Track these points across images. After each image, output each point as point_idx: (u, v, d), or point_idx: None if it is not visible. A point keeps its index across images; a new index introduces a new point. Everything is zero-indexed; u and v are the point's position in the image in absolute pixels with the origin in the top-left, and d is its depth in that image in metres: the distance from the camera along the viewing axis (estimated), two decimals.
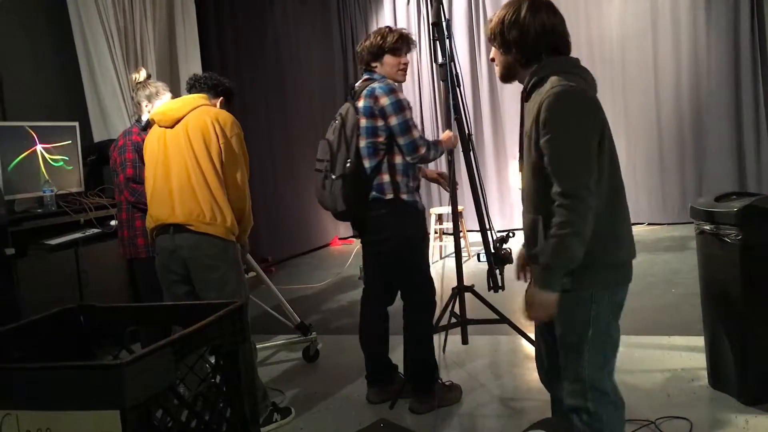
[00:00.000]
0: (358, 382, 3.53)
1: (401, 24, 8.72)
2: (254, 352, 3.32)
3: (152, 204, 2.97)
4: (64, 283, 3.87)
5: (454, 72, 3.39)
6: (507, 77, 2.05)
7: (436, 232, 7.08)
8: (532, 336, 3.62)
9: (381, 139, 3.01)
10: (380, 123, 2.99)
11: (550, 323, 2.00)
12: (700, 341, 3.21)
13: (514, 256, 2.25)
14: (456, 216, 3.61)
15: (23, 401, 1.32)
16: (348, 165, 2.98)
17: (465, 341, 3.64)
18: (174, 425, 1.47)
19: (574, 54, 2.00)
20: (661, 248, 6.30)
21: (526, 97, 2.00)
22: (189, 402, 1.55)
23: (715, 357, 3.03)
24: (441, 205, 8.24)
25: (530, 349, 3.70)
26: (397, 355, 3.29)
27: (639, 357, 3.51)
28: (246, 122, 6.07)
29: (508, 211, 8.43)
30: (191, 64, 5.85)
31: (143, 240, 3.46)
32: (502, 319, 3.56)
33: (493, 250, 3.46)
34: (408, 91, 8.77)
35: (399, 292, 3.23)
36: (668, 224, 7.48)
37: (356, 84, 3.13)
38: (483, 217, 3.56)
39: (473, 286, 3.62)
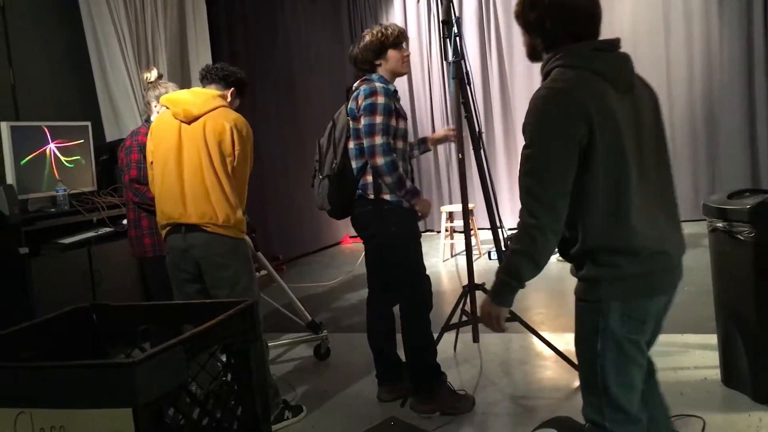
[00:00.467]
0: (368, 380, 3.54)
1: (412, 22, 8.73)
2: (266, 350, 3.33)
3: (162, 200, 2.97)
4: (77, 282, 3.89)
5: (464, 70, 3.39)
6: (532, 57, 1.93)
7: (446, 230, 7.07)
8: (543, 334, 3.63)
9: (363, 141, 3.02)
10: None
11: None
12: (713, 339, 3.19)
13: None
14: (467, 214, 3.61)
15: (37, 399, 1.34)
16: (334, 166, 3.04)
17: (476, 339, 3.64)
18: (186, 423, 1.48)
19: None
20: None
21: None
22: (200, 400, 1.55)
23: (728, 355, 3.01)
24: (452, 203, 8.24)
25: (541, 348, 3.69)
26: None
27: (652, 354, 3.49)
28: (257, 122, 6.10)
29: (518, 208, 8.40)
30: (202, 64, 5.85)
31: (150, 239, 3.49)
32: (513, 317, 3.54)
33: (504, 248, 3.45)
34: (419, 89, 8.78)
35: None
36: (681, 221, 7.43)
37: (354, 85, 3.13)
38: (494, 214, 3.55)
39: (484, 284, 3.61)
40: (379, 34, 3.06)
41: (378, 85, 3.01)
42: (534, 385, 3.38)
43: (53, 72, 4.76)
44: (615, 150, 1.70)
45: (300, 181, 7.63)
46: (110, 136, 4.87)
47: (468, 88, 3.48)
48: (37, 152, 3.97)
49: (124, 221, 3.86)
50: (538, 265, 1.77)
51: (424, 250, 3.22)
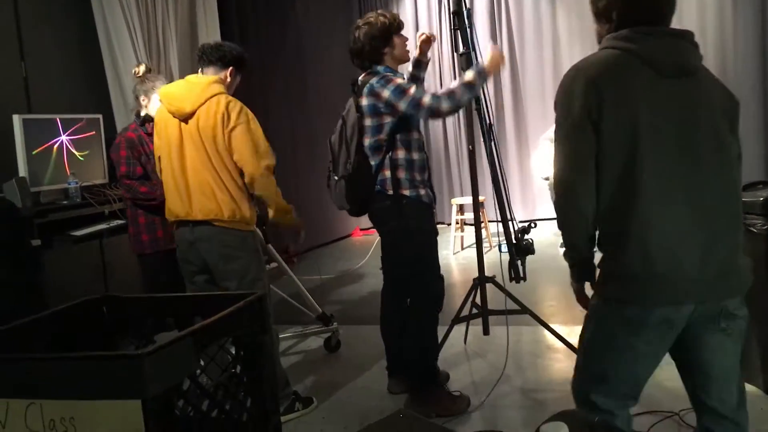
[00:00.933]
0: (378, 372, 3.54)
1: (422, 13, 8.70)
2: (276, 341, 3.34)
3: (169, 197, 2.98)
4: (89, 274, 3.92)
5: (475, 62, 3.37)
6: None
7: (457, 223, 7.06)
8: (554, 327, 3.62)
9: (383, 136, 2.96)
10: (386, 120, 2.94)
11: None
12: None
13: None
14: (477, 206, 3.59)
15: (47, 390, 1.34)
16: (348, 165, 2.97)
17: (486, 332, 3.63)
18: (195, 415, 1.48)
19: (596, 45, 1.88)
20: None
21: None
22: (210, 392, 1.56)
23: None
24: (462, 196, 8.22)
25: (552, 340, 3.68)
26: None
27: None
28: (269, 117, 6.10)
29: (530, 201, 8.39)
30: None
31: (147, 236, 3.48)
32: (524, 310, 3.53)
33: (514, 241, 3.44)
34: (429, 81, 8.73)
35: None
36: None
37: (359, 79, 3.06)
38: (504, 207, 3.53)
39: (494, 276, 3.60)
40: (383, 21, 3.01)
41: (388, 75, 2.98)
42: (545, 378, 3.37)
43: (65, 65, 4.78)
44: (625, 131, 1.66)
45: (310, 173, 7.64)
46: (121, 128, 4.88)
47: None
48: (49, 144, 3.99)
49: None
50: (578, 223, 1.77)
51: None
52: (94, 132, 4.28)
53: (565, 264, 1.93)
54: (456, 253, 6.85)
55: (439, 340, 3.27)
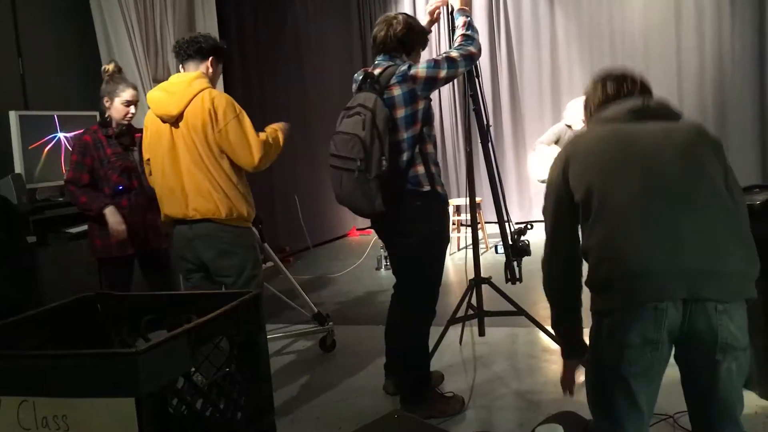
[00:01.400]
0: (374, 372, 3.53)
1: (420, 13, 8.68)
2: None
3: (162, 200, 2.97)
4: (84, 271, 3.90)
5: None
6: None
7: (453, 223, 7.06)
8: (550, 329, 3.61)
9: (419, 126, 2.84)
10: (420, 106, 2.82)
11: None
12: None
13: None
14: (473, 207, 3.59)
15: (40, 388, 1.34)
16: (384, 163, 2.73)
17: (482, 333, 3.63)
18: (189, 413, 1.48)
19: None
20: None
21: None
22: (204, 390, 1.55)
23: None
24: (459, 196, 8.22)
25: (547, 342, 3.68)
26: None
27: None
28: (266, 115, 6.09)
29: (526, 202, 8.39)
30: None
31: (100, 241, 3.40)
32: (520, 311, 3.53)
33: (510, 242, 3.44)
34: None
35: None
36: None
37: (375, 72, 2.89)
38: (501, 208, 3.53)
39: (491, 277, 3.60)
40: (413, 21, 2.99)
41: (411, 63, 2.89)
42: (540, 379, 3.37)
43: (62, 62, 4.76)
44: (598, 201, 1.79)
45: (309, 174, 7.63)
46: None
47: (476, 80, 3.45)
48: (46, 141, 3.98)
49: None
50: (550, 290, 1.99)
51: None
52: None
53: None
54: (452, 254, 6.85)
55: (435, 341, 3.27)
